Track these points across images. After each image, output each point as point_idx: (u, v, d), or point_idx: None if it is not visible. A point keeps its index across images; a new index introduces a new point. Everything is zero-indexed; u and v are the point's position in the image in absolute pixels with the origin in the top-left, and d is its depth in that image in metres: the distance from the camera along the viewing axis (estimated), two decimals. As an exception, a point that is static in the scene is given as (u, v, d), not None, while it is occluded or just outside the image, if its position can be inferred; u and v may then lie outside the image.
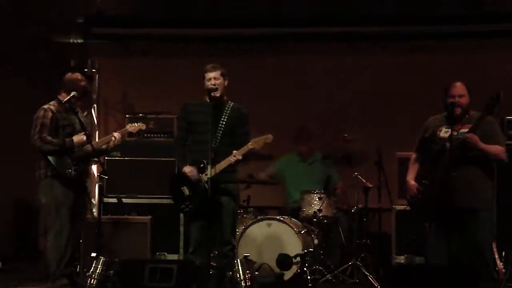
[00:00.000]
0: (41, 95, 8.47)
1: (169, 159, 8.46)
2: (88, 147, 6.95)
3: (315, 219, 8.01)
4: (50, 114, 6.95)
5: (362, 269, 7.87)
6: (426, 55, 9.57)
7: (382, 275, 7.98)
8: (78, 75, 7.16)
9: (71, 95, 6.93)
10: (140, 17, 9.86)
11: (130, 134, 7.47)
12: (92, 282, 6.42)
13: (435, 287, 5.84)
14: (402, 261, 8.16)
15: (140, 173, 8.59)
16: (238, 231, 7.50)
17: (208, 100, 6.70)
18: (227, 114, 6.74)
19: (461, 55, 9.43)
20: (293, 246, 7.64)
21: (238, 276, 6.40)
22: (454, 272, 5.94)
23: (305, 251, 7.61)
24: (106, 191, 8.27)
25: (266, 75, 9.74)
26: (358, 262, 7.93)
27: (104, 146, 7.20)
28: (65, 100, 6.97)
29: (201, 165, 6.51)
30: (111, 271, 6.45)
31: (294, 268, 7.61)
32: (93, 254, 6.69)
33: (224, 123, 6.70)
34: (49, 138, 6.89)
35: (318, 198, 8.06)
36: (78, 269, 7.33)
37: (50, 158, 6.92)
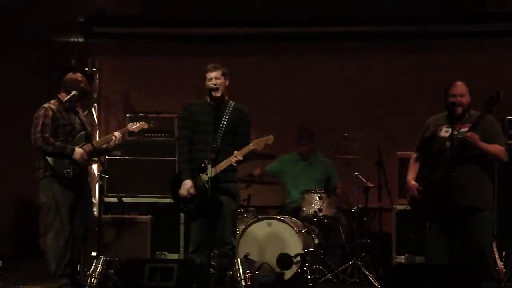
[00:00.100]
0: (41, 94, 8.50)
1: (170, 158, 8.48)
2: (89, 146, 6.94)
3: (315, 219, 8.01)
4: (50, 113, 6.94)
5: (363, 268, 7.87)
6: (426, 54, 9.57)
7: (382, 275, 7.98)
8: (78, 76, 7.16)
9: (72, 94, 6.92)
10: (141, 16, 9.86)
11: (132, 133, 7.45)
12: (92, 281, 6.42)
13: (435, 286, 5.84)
14: (403, 261, 8.17)
15: (140, 172, 8.60)
16: (238, 231, 7.50)
17: (209, 100, 6.70)
18: (228, 114, 6.74)
19: (462, 54, 9.43)
20: (294, 245, 7.64)
21: (238, 275, 6.40)
22: (454, 272, 5.94)
23: (306, 250, 7.61)
24: (107, 190, 8.28)
25: (266, 74, 9.74)
26: (358, 262, 7.94)
27: (104, 146, 7.20)
28: (65, 99, 6.96)
29: (202, 165, 6.51)
30: (112, 270, 6.45)
31: (295, 268, 7.61)
32: (94, 253, 6.69)
33: (225, 123, 6.70)
34: (52, 139, 6.89)
35: (319, 197, 8.06)
36: (78, 268, 7.32)
37: (48, 158, 6.92)
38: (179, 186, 6.71)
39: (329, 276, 7.81)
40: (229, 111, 6.75)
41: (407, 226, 8.04)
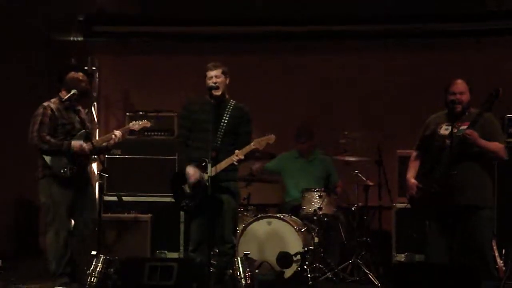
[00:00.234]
0: (41, 93, 8.48)
1: (169, 157, 8.48)
2: (88, 145, 6.94)
3: (315, 217, 8.01)
4: (49, 112, 6.94)
5: (362, 267, 7.87)
6: (426, 53, 9.58)
7: (382, 273, 7.99)
8: (80, 75, 7.15)
9: (71, 93, 6.92)
10: (141, 15, 9.87)
11: (133, 131, 7.44)
12: (92, 280, 6.41)
13: (435, 285, 5.84)
14: (403, 259, 8.19)
15: (140, 171, 8.61)
16: (238, 229, 7.50)
17: (209, 99, 6.70)
18: (228, 113, 6.73)
19: (461, 53, 9.43)
20: (294, 244, 7.64)
21: (238, 274, 6.39)
22: (454, 270, 5.94)
23: (306, 249, 7.61)
24: (106, 189, 8.28)
25: (266, 73, 9.75)
26: (358, 260, 7.94)
27: (104, 144, 7.19)
28: (65, 98, 6.96)
29: (203, 164, 6.50)
30: (111, 269, 6.45)
31: (295, 266, 7.61)
32: (94, 252, 6.69)
33: (225, 121, 6.69)
34: (48, 137, 6.88)
35: (319, 196, 8.06)
36: (78, 267, 7.32)
37: (46, 157, 6.91)
38: (179, 184, 6.71)
39: (329, 274, 7.81)
40: (230, 110, 6.75)
41: (407, 225, 8.07)
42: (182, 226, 8.44)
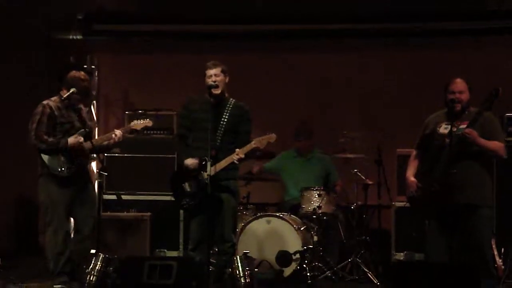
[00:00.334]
0: (41, 92, 8.48)
1: (169, 155, 8.49)
2: (87, 144, 6.93)
3: (314, 216, 8.01)
4: (48, 110, 6.93)
5: (362, 265, 7.88)
6: (425, 52, 9.57)
7: (381, 272, 8.01)
8: (81, 74, 7.13)
9: (70, 91, 6.90)
10: (140, 13, 9.86)
11: (134, 130, 7.42)
12: (91, 279, 6.41)
13: (434, 284, 5.84)
14: (402, 258, 8.19)
15: (139, 169, 8.61)
16: (238, 228, 7.50)
17: (209, 97, 6.69)
18: (228, 112, 6.73)
19: (461, 52, 9.43)
20: (293, 242, 7.64)
21: (237, 272, 6.39)
22: (453, 269, 5.94)
23: (305, 247, 7.61)
24: (106, 188, 8.27)
25: (266, 72, 9.75)
26: (357, 259, 7.94)
27: (105, 143, 7.17)
28: (64, 96, 6.95)
29: (203, 163, 6.50)
30: (111, 268, 6.44)
31: (294, 265, 7.61)
32: (93, 251, 6.69)
33: (225, 120, 6.69)
34: (45, 136, 6.87)
35: (318, 195, 8.06)
36: (77, 266, 7.32)
37: (43, 156, 6.90)
38: (179, 183, 6.72)
39: (328, 273, 7.81)
40: (230, 109, 6.74)
41: (406, 223, 8.08)
42: (181, 225, 8.44)
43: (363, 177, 8.35)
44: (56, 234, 6.94)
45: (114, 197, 8.29)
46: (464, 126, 6.28)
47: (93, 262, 6.41)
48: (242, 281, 6.34)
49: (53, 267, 6.93)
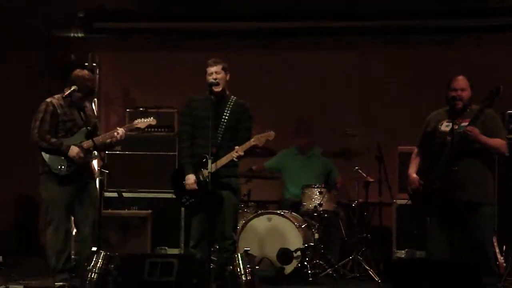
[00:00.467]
0: (41, 92, 8.48)
1: (170, 153, 8.49)
2: (88, 143, 6.92)
3: (315, 214, 8.01)
4: (50, 108, 6.93)
5: (363, 263, 7.87)
6: (426, 49, 9.56)
7: (382, 270, 8.01)
8: (85, 73, 7.13)
9: (71, 89, 6.90)
10: (141, 11, 9.85)
11: (138, 129, 7.40)
12: (92, 276, 6.40)
13: (436, 281, 5.83)
14: (403, 256, 8.18)
15: (140, 167, 8.61)
16: (238, 226, 7.49)
17: (210, 95, 6.69)
18: (229, 109, 6.73)
19: (462, 49, 9.42)
20: (294, 240, 7.64)
21: (238, 270, 6.38)
22: (455, 267, 5.94)
23: (306, 245, 7.61)
24: (107, 186, 8.28)
25: (266, 70, 9.74)
26: (358, 257, 7.94)
27: (108, 141, 7.15)
28: (65, 94, 6.95)
29: (203, 160, 6.50)
30: (112, 265, 6.44)
31: (295, 262, 7.61)
32: (94, 248, 6.69)
33: (226, 118, 6.69)
34: (48, 136, 6.87)
35: (319, 192, 8.06)
36: (78, 264, 7.32)
37: (44, 154, 6.91)
38: (180, 180, 6.72)
39: (329, 271, 7.81)
40: (230, 106, 6.74)
41: (407, 221, 8.07)
42: (182, 223, 8.44)
43: (364, 175, 8.35)
44: (57, 232, 6.94)
45: (115, 194, 8.28)
46: (466, 123, 6.28)
47: (94, 259, 6.41)
48: (243, 278, 6.34)
49: (53, 264, 6.95)
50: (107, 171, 7.36)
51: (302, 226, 7.74)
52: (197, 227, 6.72)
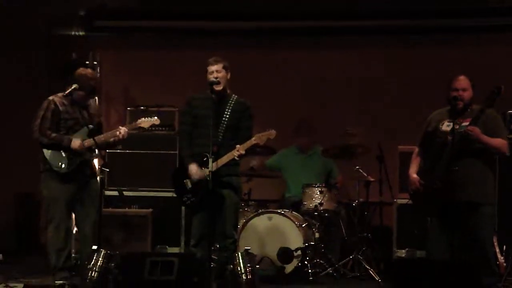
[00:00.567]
0: (41, 90, 8.49)
1: (170, 152, 8.49)
2: (89, 141, 6.92)
3: (316, 213, 8.01)
4: (52, 106, 6.94)
5: (363, 262, 7.87)
6: (426, 49, 9.57)
7: (383, 269, 8.01)
8: (89, 72, 7.13)
9: (72, 88, 6.90)
10: (141, 10, 9.85)
11: (141, 129, 7.39)
12: (92, 274, 6.40)
13: (436, 281, 5.83)
14: (403, 255, 8.18)
15: (141, 166, 8.60)
16: (239, 225, 7.50)
17: (211, 94, 6.69)
18: (230, 108, 6.72)
19: (462, 49, 9.42)
20: (294, 239, 7.64)
21: (239, 269, 6.37)
22: (455, 266, 5.94)
23: (306, 244, 7.61)
24: (107, 184, 8.28)
25: (267, 69, 9.74)
26: (359, 256, 7.94)
27: (111, 139, 7.15)
28: (65, 93, 6.95)
29: (204, 159, 6.51)
30: (112, 264, 6.44)
31: (295, 262, 7.61)
32: (94, 247, 6.69)
33: (227, 116, 6.69)
34: (49, 132, 6.88)
35: (319, 191, 8.06)
36: (78, 262, 7.32)
37: (45, 151, 6.92)
38: (181, 179, 6.71)
39: (329, 270, 7.81)
40: (231, 105, 6.74)
41: (408, 221, 8.06)
42: (183, 221, 8.44)
43: (365, 174, 8.35)
44: (57, 230, 6.95)
45: (115, 193, 8.29)
46: (467, 123, 6.28)
47: (94, 258, 6.41)
48: (244, 277, 6.33)
49: (54, 262, 6.95)
50: (107, 170, 7.36)
51: (303, 225, 7.74)
52: (197, 226, 6.72)
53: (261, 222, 7.80)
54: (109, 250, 6.59)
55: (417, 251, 8.10)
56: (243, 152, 6.53)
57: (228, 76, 6.75)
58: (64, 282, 6.85)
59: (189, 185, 6.68)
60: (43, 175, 7.00)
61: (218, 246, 6.99)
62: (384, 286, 7.37)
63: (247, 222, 7.80)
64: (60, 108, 6.95)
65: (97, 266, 6.40)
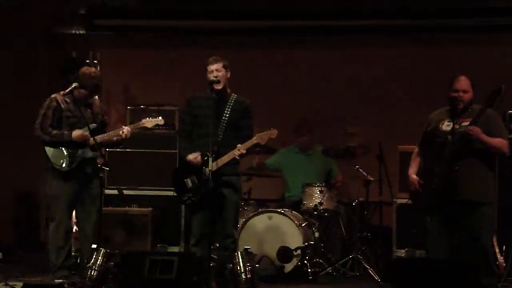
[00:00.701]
0: (41, 85, 8.49)
1: (170, 151, 8.48)
2: (91, 140, 6.92)
3: (316, 212, 8.01)
4: (54, 104, 6.95)
5: (363, 262, 7.88)
6: (427, 48, 9.56)
7: (382, 269, 8.00)
8: (92, 71, 7.14)
9: (72, 86, 6.90)
10: (142, 9, 9.85)
11: (145, 128, 7.38)
12: (92, 273, 6.40)
13: (435, 280, 5.83)
14: (403, 255, 8.17)
15: (141, 165, 8.60)
16: (239, 224, 7.49)
17: (210, 93, 6.68)
18: (230, 107, 6.71)
19: (463, 48, 9.42)
20: (294, 238, 7.65)
21: (238, 268, 6.38)
22: (454, 266, 5.94)
23: (306, 244, 7.62)
24: (107, 183, 8.27)
25: (267, 68, 9.74)
26: (358, 255, 7.94)
27: (114, 139, 7.15)
28: (65, 91, 6.95)
29: (205, 158, 6.50)
30: (112, 263, 6.44)
31: (295, 261, 7.62)
32: (94, 246, 6.69)
33: (227, 116, 6.68)
34: (50, 129, 6.89)
35: (319, 191, 8.07)
36: (78, 261, 7.33)
37: (47, 150, 6.92)
38: (181, 178, 6.71)
39: (329, 269, 7.82)
40: (231, 104, 6.73)
41: (407, 220, 8.05)
42: (183, 220, 8.44)
43: (365, 174, 8.35)
44: (58, 228, 6.96)
45: (115, 192, 8.28)
46: (467, 123, 6.27)
47: (94, 257, 6.41)
48: (243, 276, 6.34)
49: (53, 260, 6.96)
50: (107, 169, 7.36)
51: (302, 225, 7.74)
52: (197, 225, 6.71)
53: (261, 221, 7.81)
54: (109, 249, 6.59)
55: (417, 250, 8.10)
56: (244, 151, 6.52)
57: (228, 75, 6.74)
58: (64, 280, 6.84)
59: (189, 184, 6.67)
60: (46, 173, 7.01)
61: (218, 245, 6.99)
62: (384, 286, 7.37)
63: (247, 221, 7.80)
64: (62, 106, 6.96)
65: (97, 265, 6.40)
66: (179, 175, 6.76)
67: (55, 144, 6.91)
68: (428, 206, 6.48)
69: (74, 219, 7.32)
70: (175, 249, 8.41)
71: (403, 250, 8.21)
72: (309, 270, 7.58)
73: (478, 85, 6.46)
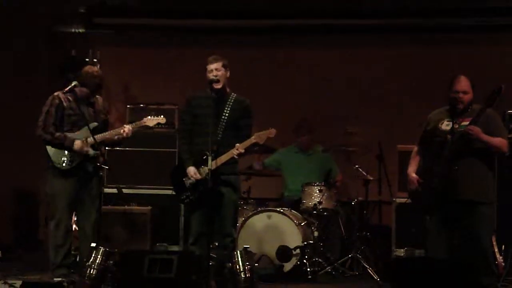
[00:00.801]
0: (41, 84, 8.48)
1: (170, 150, 8.48)
2: (91, 140, 6.92)
3: (315, 211, 8.02)
4: (56, 102, 6.95)
5: (362, 261, 7.88)
6: (427, 48, 9.56)
7: (381, 268, 8.00)
8: (95, 70, 7.14)
9: (72, 85, 6.90)
10: (141, 7, 9.84)
11: (147, 127, 7.38)
12: (91, 272, 6.40)
13: (434, 280, 5.83)
14: (402, 254, 8.17)
15: (140, 163, 8.60)
16: (238, 223, 7.49)
17: (210, 92, 6.68)
18: (229, 106, 6.71)
19: (463, 48, 9.42)
20: (293, 238, 7.65)
21: (237, 267, 6.38)
22: (453, 266, 5.94)
23: (305, 243, 7.62)
24: (107, 182, 8.26)
25: (268, 67, 9.74)
26: (357, 255, 7.95)
27: (116, 137, 7.14)
28: (66, 90, 6.95)
29: (204, 157, 6.50)
30: (111, 262, 6.44)
31: (294, 260, 7.62)
32: (93, 244, 6.69)
33: (226, 115, 6.68)
34: (52, 129, 6.88)
35: (319, 190, 8.07)
36: (77, 259, 7.32)
37: (48, 148, 6.92)
38: (179, 177, 6.71)
39: (328, 268, 7.82)
40: (231, 103, 6.73)
41: (406, 220, 8.06)
42: (182, 219, 8.44)
43: (364, 173, 8.35)
44: (57, 227, 6.95)
45: (115, 190, 8.28)
46: (466, 123, 6.27)
47: (93, 255, 6.41)
48: (242, 275, 6.33)
49: (53, 258, 6.95)
50: (107, 167, 7.35)
51: (302, 224, 7.74)
52: (196, 224, 6.71)
53: (260, 220, 7.81)
54: (108, 247, 6.59)
55: (416, 250, 8.10)
56: (242, 150, 6.53)
57: (228, 74, 6.74)
58: (63, 279, 6.84)
59: (188, 183, 6.68)
60: (47, 172, 7.00)
61: (217, 244, 6.99)
62: (383, 285, 7.38)
63: (246, 220, 7.81)
64: (64, 103, 6.96)
65: (96, 264, 6.40)
66: (178, 173, 6.76)
67: (55, 145, 6.91)
68: (427, 206, 6.48)
69: (73, 218, 7.32)
70: (174, 248, 8.41)
71: (402, 250, 8.21)
72: (308, 269, 7.58)
73: (478, 85, 6.45)
